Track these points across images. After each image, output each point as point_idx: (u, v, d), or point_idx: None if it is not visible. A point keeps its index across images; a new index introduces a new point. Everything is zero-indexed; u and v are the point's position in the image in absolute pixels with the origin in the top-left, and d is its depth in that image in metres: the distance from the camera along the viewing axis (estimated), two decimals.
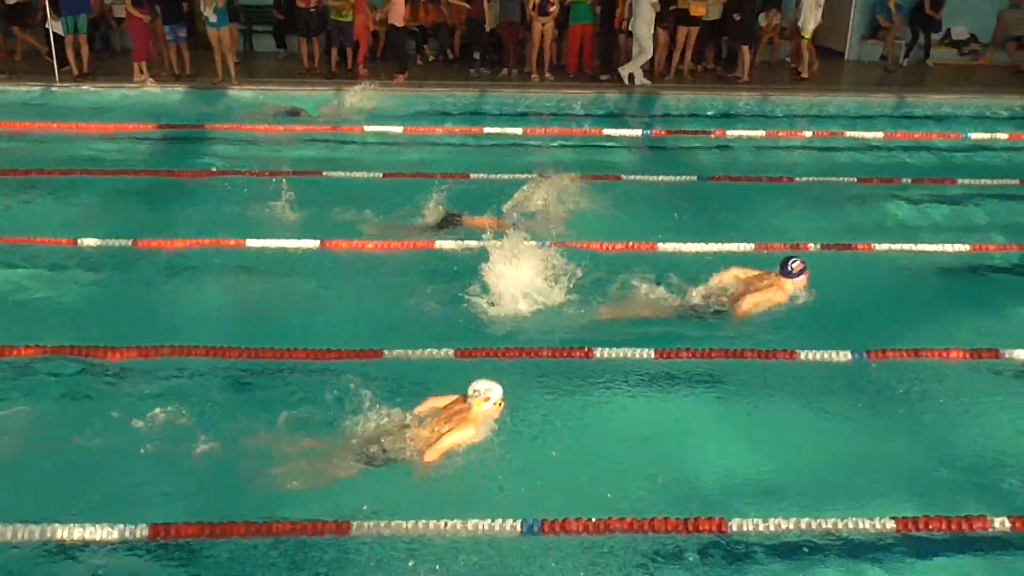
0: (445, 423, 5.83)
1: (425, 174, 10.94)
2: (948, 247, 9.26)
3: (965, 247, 9.28)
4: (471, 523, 5.23)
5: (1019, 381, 7.08)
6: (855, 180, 11.30)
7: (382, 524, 5.21)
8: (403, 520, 5.23)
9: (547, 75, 15.81)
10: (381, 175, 11.06)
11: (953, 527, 5.39)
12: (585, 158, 12.09)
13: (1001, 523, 5.41)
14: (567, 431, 6.20)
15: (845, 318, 7.89)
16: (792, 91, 15.62)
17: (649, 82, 15.72)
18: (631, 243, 9.06)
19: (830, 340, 7.31)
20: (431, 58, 17.03)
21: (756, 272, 7.87)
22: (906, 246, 9.26)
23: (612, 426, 6.31)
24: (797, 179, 11.31)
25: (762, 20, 16.60)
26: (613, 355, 7.04)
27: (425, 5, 16.79)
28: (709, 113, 14.42)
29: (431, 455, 5.64)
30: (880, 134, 13.47)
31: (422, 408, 5.99)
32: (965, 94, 15.78)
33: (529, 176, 10.16)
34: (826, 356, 7.16)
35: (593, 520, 5.26)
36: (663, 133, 13.32)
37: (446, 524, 5.23)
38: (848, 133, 13.44)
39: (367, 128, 12.96)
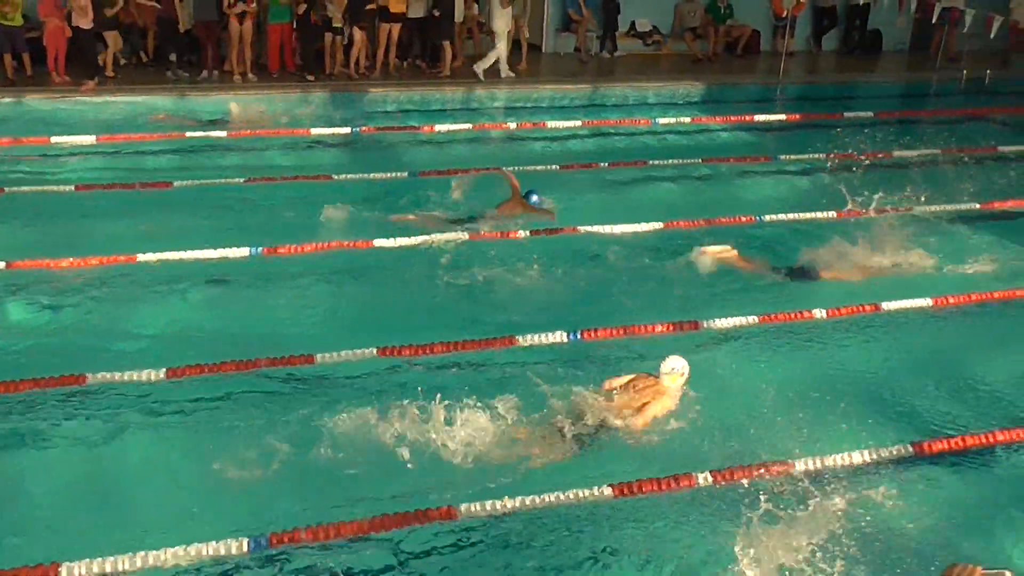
0: (641, 396, 6.37)
1: (124, 185, 10.37)
2: (645, 226, 9.87)
3: (659, 225, 9.93)
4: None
5: (720, 348, 7.64)
6: (557, 167, 11.82)
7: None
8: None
9: (250, 76, 15.36)
10: (73, 188, 10.35)
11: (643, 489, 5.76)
12: (293, 159, 11.90)
13: (704, 478, 5.84)
14: None
15: (558, 300, 8.26)
16: (496, 84, 16.09)
17: (514, 74, 16.29)
18: (346, 241, 9.05)
19: (548, 323, 7.62)
20: (123, 61, 16.05)
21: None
22: (607, 228, 9.77)
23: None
24: (504, 168, 11.64)
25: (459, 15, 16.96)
26: (337, 358, 6.99)
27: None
28: (416, 109, 14.57)
29: (641, 422, 6.22)
30: (579, 122, 14.17)
31: (611, 384, 6.52)
32: (651, 82, 16.95)
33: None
34: (544, 339, 7.44)
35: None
36: (373, 130, 13.30)
37: None
38: (549, 123, 14.03)
39: (54, 140, 12.02)
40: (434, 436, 5.92)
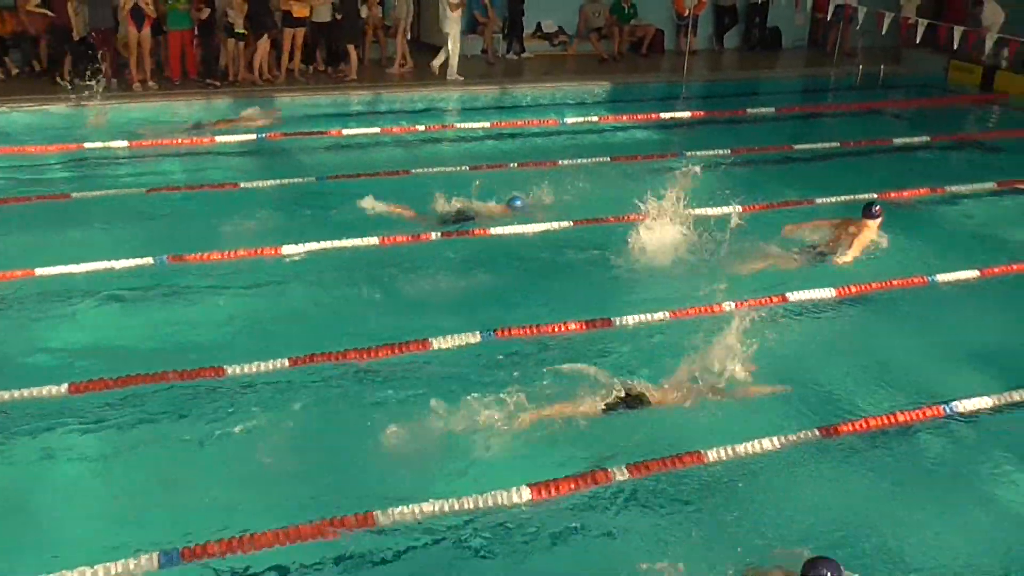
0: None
1: (15, 199, 10.07)
2: (555, 224, 9.94)
3: (569, 223, 10.01)
4: None
5: (631, 345, 7.73)
6: (467, 168, 11.82)
7: None
8: None
9: (150, 84, 15.00)
10: None
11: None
12: (197, 167, 11.67)
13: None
14: None
15: (470, 302, 8.28)
16: (403, 87, 16.02)
17: (462, 77, 16.49)
18: (255, 249, 8.90)
19: (460, 324, 7.61)
20: (14, 71, 15.52)
21: (838, 220, 9.18)
22: (520, 228, 9.80)
23: None
24: (413, 171, 11.64)
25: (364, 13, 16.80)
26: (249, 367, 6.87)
27: (1, 13, 15.25)
28: (324, 113, 14.40)
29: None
30: (487, 124, 14.20)
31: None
32: (559, 82, 17.09)
33: None
34: (458, 341, 7.43)
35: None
36: (279, 136, 13.11)
37: None
38: (458, 125, 14.02)
39: None
40: (342, 442, 5.87)
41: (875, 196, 8.51)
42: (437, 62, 16.89)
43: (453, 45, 16.66)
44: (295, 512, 5.35)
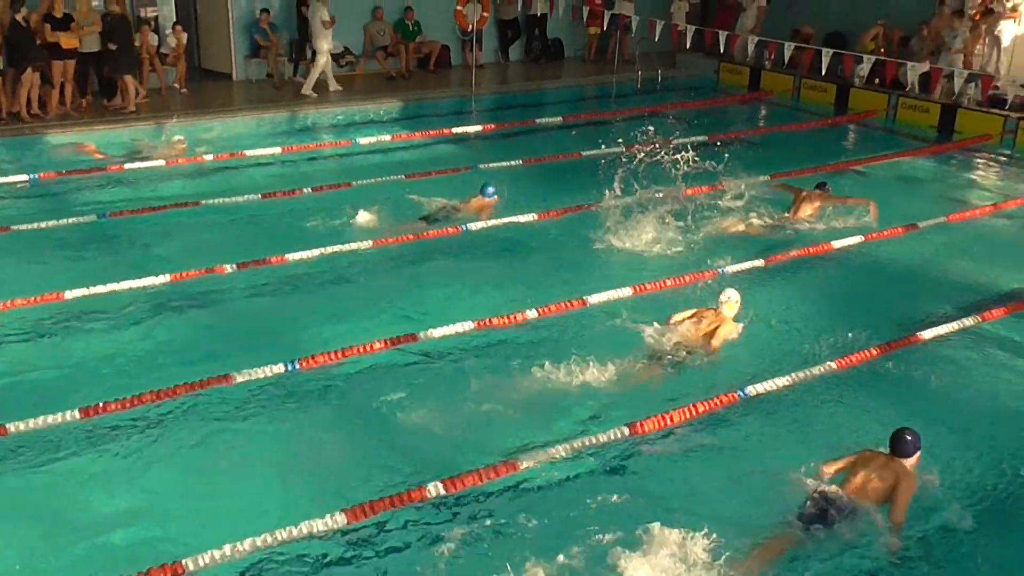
0: (710, 324, 7.74)
1: None
2: (352, 246, 9.85)
3: (368, 243, 9.94)
4: None
5: (441, 360, 7.76)
6: (259, 197, 11.55)
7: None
8: None
9: None
10: None
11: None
12: None
13: (435, 486, 5.91)
14: None
15: (273, 332, 8.09)
16: (188, 116, 15.45)
17: (341, 88, 17.37)
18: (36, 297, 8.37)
19: (261, 357, 7.43)
20: None
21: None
22: (314, 252, 9.66)
23: None
24: (203, 202, 11.26)
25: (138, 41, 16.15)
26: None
27: None
28: (104, 147, 13.69)
29: (716, 344, 7.63)
30: (278, 149, 13.91)
31: (676, 319, 7.86)
32: (349, 103, 16.96)
33: None
34: (259, 373, 7.24)
35: None
36: (54, 175, 12.36)
37: None
38: (248, 152, 13.66)
39: None
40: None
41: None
42: (310, 85, 17.16)
43: (324, 61, 17.14)
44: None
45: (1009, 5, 18.12)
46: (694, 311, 7.96)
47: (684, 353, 7.63)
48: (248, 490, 6.03)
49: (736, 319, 7.93)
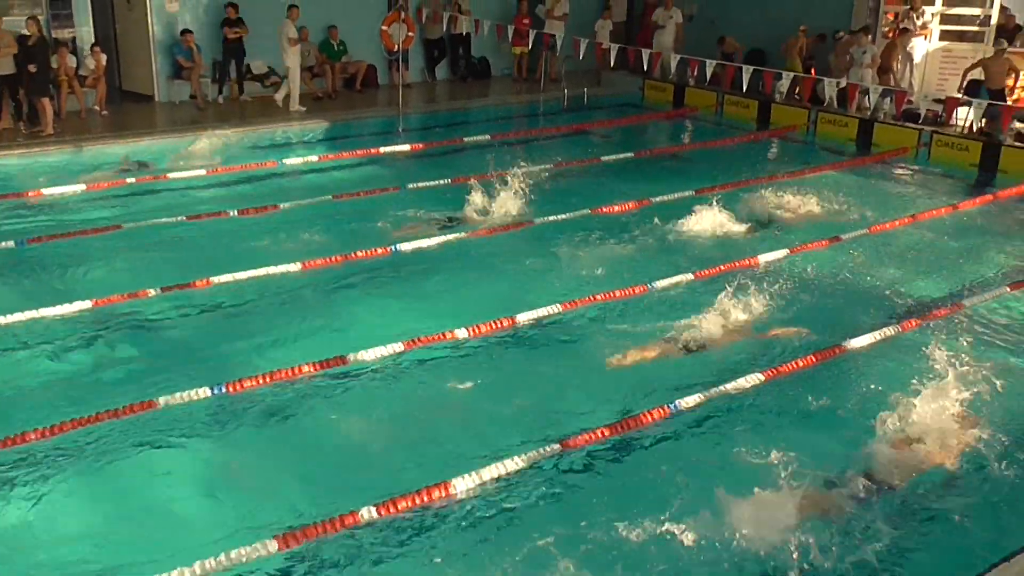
0: None
1: None
2: (280, 268, 9.72)
3: (296, 266, 9.83)
4: None
5: (367, 379, 7.69)
6: (183, 219, 11.36)
7: None
8: None
9: None
10: None
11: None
12: None
13: (367, 511, 5.85)
14: None
15: (200, 356, 7.95)
16: (105, 139, 15.15)
17: (304, 108, 17.53)
18: None
19: (188, 381, 7.29)
20: None
21: None
22: (240, 275, 9.51)
23: None
24: (125, 226, 11.04)
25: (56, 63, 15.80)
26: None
27: None
28: (18, 173, 13.35)
29: None
30: (203, 171, 13.70)
31: None
32: (275, 124, 16.78)
33: None
34: (185, 397, 7.10)
35: None
36: None
37: None
38: (171, 175, 13.44)
39: None
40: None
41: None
42: (280, 95, 17.83)
43: (293, 78, 17.59)
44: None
45: (919, 23, 18.75)
46: None
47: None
48: (175, 519, 5.91)
49: None
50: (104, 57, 16.71)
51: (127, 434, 6.69)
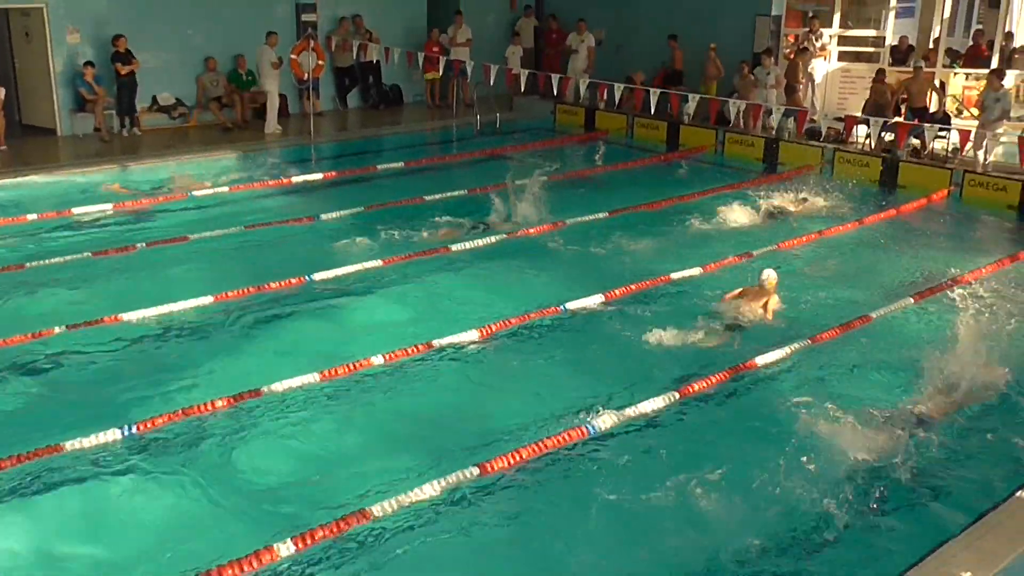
0: (759, 298, 9.47)
1: None
2: (191, 302, 9.52)
3: (209, 299, 9.65)
4: None
5: (287, 413, 7.59)
6: (89, 255, 11.07)
7: None
8: None
9: None
10: None
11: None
12: None
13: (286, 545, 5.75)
14: None
15: (109, 395, 7.74)
16: (4, 174, 14.70)
17: (280, 128, 18.35)
18: None
19: (96, 422, 7.08)
20: None
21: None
22: (150, 311, 9.31)
23: None
24: (28, 265, 10.71)
25: None
26: None
27: None
28: None
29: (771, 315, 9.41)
30: (109, 206, 13.37)
31: (730, 296, 9.68)
32: (183, 155, 16.48)
33: None
34: (92, 441, 6.89)
35: None
36: None
37: None
38: (75, 210, 13.08)
39: None
40: None
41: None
42: (270, 123, 18.47)
43: (271, 101, 18.38)
44: None
45: (818, 44, 19.37)
46: (740, 290, 9.65)
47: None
48: (88, 566, 5.72)
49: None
50: (2, 91, 16.22)
51: (33, 480, 6.47)
